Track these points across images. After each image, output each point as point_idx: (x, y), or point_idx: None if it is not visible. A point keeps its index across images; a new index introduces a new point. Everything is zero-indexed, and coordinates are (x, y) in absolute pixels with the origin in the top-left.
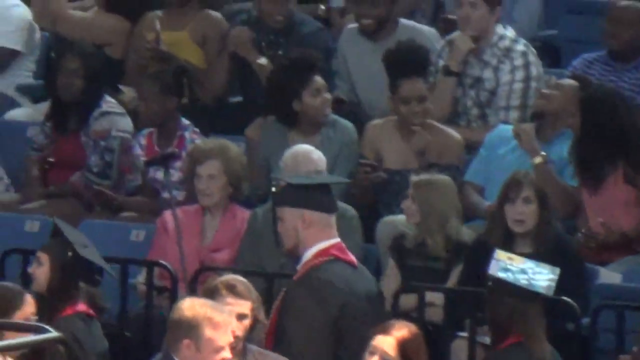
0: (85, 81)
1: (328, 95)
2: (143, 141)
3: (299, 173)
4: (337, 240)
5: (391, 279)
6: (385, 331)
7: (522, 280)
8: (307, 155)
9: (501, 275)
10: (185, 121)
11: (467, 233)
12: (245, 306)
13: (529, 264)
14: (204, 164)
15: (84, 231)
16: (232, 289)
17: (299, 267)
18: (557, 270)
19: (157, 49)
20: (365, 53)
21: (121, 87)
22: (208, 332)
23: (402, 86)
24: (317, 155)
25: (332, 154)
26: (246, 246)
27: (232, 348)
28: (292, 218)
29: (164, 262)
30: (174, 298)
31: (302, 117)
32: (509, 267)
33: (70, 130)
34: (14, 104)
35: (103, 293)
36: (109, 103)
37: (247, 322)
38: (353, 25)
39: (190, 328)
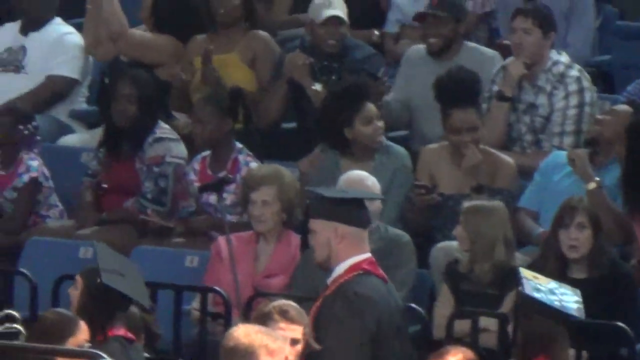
0: (139, 107)
1: (380, 123)
2: (197, 166)
3: None
4: (369, 255)
5: (445, 305)
6: (441, 357)
7: (555, 302)
8: (362, 181)
9: (537, 295)
10: (238, 144)
11: (519, 259)
12: (297, 331)
13: (553, 284)
14: (258, 190)
15: (137, 257)
16: (284, 315)
17: (329, 281)
18: (578, 291)
19: (210, 71)
20: (428, 72)
21: (175, 113)
22: (263, 359)
23: (453, 115)
24: (372, 181)
25: (386, 180)
26: (300, 272)
27: None
28: (325, 231)
29: (217, 289)
30: (227, 324)
31: (354, 144)
32: (539, 287)
33: (124, 156)
34: (67, 130)
35: (157, 319)
36: (163, 129)
37: (299, 346)
38: (418, 45)
39: (246, 355)
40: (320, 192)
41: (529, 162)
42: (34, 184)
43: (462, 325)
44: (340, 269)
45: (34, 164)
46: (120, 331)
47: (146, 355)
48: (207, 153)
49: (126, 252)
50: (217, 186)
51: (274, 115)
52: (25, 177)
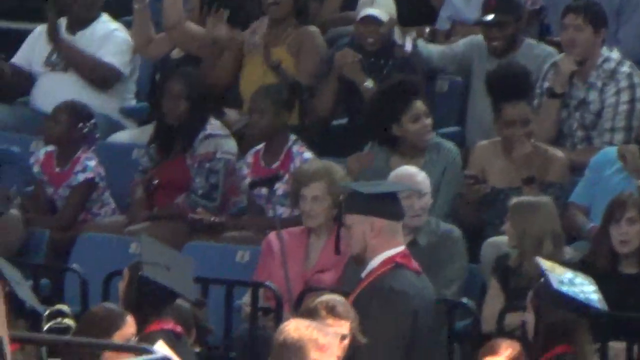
0: (190, 105)
1: (428, 121)
2: (250, 159)
3: (402, 195)
4: (403, 247)
5: (494, 299)
6: (493, 352)
7: (580, 295)
8: (411, 177)
9: (565, 289)
10: (292, 136)
11: (570, 254)
12: (345, 327)
13: (569, 274)
14: (308, 185)
15: (188, 253)
16: (332, 310)
17: (364, 274)
18: (592, 280)
19: (275, 62)
20: (486, 69)
21: (225, 109)
22: (314, 354)
23: (505, 109)
24: (422, 177)
25: (436, 177)
26: (351, 267)
27: None
28: (360, 225)
29: (268, 284)
30: (278, 319)
31: (402, 141)
32: (561, 278)
33: (175, 153)
34: (118, 127)
35: (208, 314)
36: (214, 125)
37: (346, 342)
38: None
39: (296, 350)
40: (355, 187)
41: (580, 158)
42: (89, 184)
43: (513, 319)
44: (375, 262)
45: (90, 164)
46: (169, 325)
47: (197, 350)
48: (260, 147)
49: (177, 248)
50: (268, 182)
51: (324, 111)
52: (81, 177)
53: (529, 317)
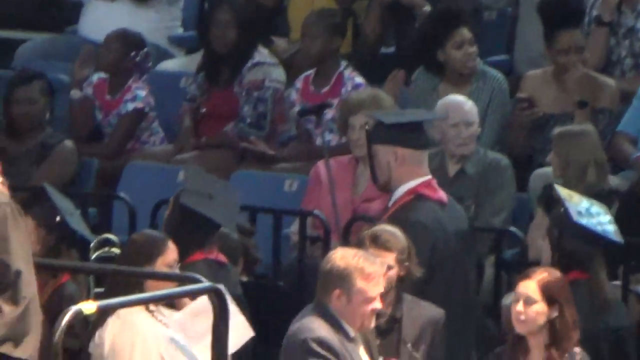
0: (238, 33)
1: (473, 49)
2: (299, 84)
3: (449, 123)
4: (428, 177)
5: (540, 228)
6: (527, 276)
7: (597, 227)
8: (459, 106)
9: (584, 221)
10: (343, 61)
11: (616, 182)
12: (389, 257)
13: (586, 203)
14: (357, 114)
15: (236, 182)
16: (375, 240)
17: (390, 203)
18: (606, 207)
19: None
20: None
21: (274, 38)
22: (359, 282)
23: (559, 37)
24: (469, 107)
25: (483, 105)
26: None
27: (382, 298)
28: (384, 155)
29: (316, 212)
30: (326, 248)
31: (447, 67)
32: (579, 209)
33: (223, 81)
34: (166, 55)
35: (256, 244)
36: (262, 53)
37: (392, 272)
38: None
39: (341, 278)
40: (378, 117)
41: (629, 86)
42: (138, 113)
43: None
44: (399, 192)
45: (141, 94)
46: (212, 254)
47: (245, 279)
48: (310, 72)
49: (225, 177)
50: (317, 109)
51: (372, 39)
52: (130, 106)
53: (545, 245)
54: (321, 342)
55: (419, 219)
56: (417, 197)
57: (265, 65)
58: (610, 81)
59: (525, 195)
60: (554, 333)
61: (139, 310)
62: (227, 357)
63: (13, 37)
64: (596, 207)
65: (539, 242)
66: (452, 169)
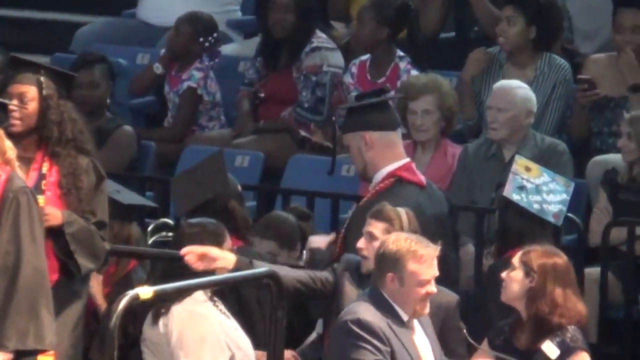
0: (297, 17)
1: (510, 29)
2: (354, 70)
3: (487, 106)
4: (406, 160)
5: (603, 213)
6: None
7: (534, 205)
8: (500, 90)
9: (515, 197)
10: (400, 52)
11: None
12: (375, 227)
13: (544, 178)
14: (418, 99)
15: (294, 166)
16: (372, 213)
17: (370, 188)
18: (572, 184)
19: None
20: None
21: (333, 22)
22: (411, 265)
23: (620, 14)
24: (512, 93)
25: (546, 91)
26: (457, 181)
27: None
28: (354, 142)
29: None
30: None
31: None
32: (525, 184)
33: (281, 66)
34: (225, 39)
35: (314, 228)
36: (320, 38)
37: (376, 243)
38: None
39: (394, 261)
40: (345, 105)
41: None
42: (192, 94)
43: (619, 234)
44: (378, 176)
45: (196, 75)
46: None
47: (301, 263)
48: (366, 57)
49: (283, 161)
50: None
51: (431, 24)
52: (185, 85)
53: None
54: (361, 324)
55: (396, 204)
56: (396, 181)
57: (324, 49)
58: None
59: (583, 181)
60: (530, 305)
61: (204, 301)
62: (283, 343)
63: (72, 20)
64: (556, 184)
65: (600, 227)
66: (507, 153)
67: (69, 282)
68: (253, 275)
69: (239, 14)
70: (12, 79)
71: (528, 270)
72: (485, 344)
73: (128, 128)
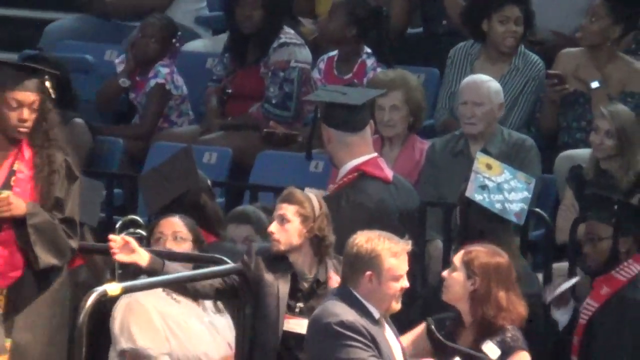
0: (265, 13)
1: (517, 29)
2: (322, 66)
3: (460, 101)
4: (372, 155)
5: (569, 210)
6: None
7: (496, 204)
8: (473, 85)
9: (478, 197)
10: (367, 49)
11: None
12: (287, 210)
13: (506, 175)
14: (387, 95)
15: (262, 162)
16: (283, 195)
17: (336, 182)
18: (533, 180)
19: None
20: None
21: (300, 19)
22: (389, 261)
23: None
24: (485, 87)
25: (517, 87)
26: (425, 177)
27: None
28: (323, 132)
29: None
30: None
31: (487, 40)
32: (486, 182)
33: (249, 62)
34: (193, 35)
35: None
36: (288, 34)
37: (287, 226)
38: None
39: (371, 259)
40: (313, 95)
41: None
42: (161, 90)
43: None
44: (344, 170)
45: (162, 71)
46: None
47: None
48: (333, 53)
49: (251, 158)
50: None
51: (399, 20)
52: (152, 82)
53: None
54: (345, 325)
55: (355, 198)
56: (360, 175)
57: (291, 45)
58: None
59: (550, 176)
60: (475, 308)
61: (161, 290)
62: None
63: (40, 17)
64: (515, 182)
65: (567, 223)
66: (474, 149)
67: (37, 277)
68: (221, 272)
69: (207, 10)
70: (14, 84)
71: (470, 273)
72: (423, 328)
73: (79, 120)
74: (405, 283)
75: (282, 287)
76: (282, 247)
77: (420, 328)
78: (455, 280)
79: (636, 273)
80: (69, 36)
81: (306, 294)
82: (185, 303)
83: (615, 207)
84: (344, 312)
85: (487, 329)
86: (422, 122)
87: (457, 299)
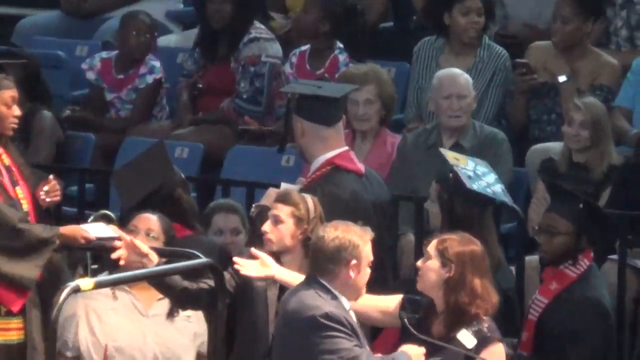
0: (235, 7)
1: (480, 19)
2: (294, 59)
3: (442, 95)
4: (344, 149)
5: (541, 203)
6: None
7: (487, 189)
8: (453, 78)
9: (475, 187)
10: (340, 44)
11: (615, 157)
12: (281, 210)
13: (471, 163)
14: (360, 89)
15: (233, 157)
16: (278, 196)
17: (308, 175)
18: (487, 164)
19: None
20: None
21: (271, 13)
22: (365, 249)
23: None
24: (463, 79)
25: (485, 80)
26: (397, 171)
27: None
28: (296, 124)
29: None
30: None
31: (451, 33)
32: (469, 173)
33: (219, 57)
34: (164, 30)
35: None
36: (259, 29)
37: (281, 226)
38: None
39: (353, 249)
40: (290, 86)
41: (624, 59)
42: (157, 85)
43: None
44: (316, 164)
45: (156, 65)
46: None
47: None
48: (305, 48)
49: (222, 152)
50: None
51: (373, 15)
52: (149, 79)
53: (433, 207)
54: (330, 317)
55: (332, 191)
56: (332, 168)
57: (262, 40)
58: (614, 60)
59: (522, 169)
60: (449, 296)
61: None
62: (223, 335)
63: (12, 13)
64: (481, 167)
65: (538, 216)
66: (447, 142)
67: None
68: (193, 266)
69: (180, 5)
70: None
71: (445, 261)
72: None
73: (47, 113)
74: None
75: (272, 291)
76: (275, 248)
77: (394, 304)
78: (430, 268)
79: (586, 269)
80: (40, 32)
81: None
82: (127, 298)
83: (581, 205)
84: (324, 304)
85: (461, 317)
86: (393, 115)
87: (431, 287)
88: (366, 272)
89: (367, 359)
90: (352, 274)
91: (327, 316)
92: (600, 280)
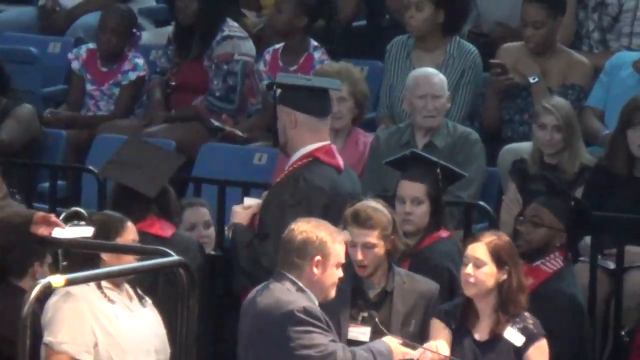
0: (201, 4)
1: (419, 14)
2: (267, 57)
3: (416, 95)
4: (325, 143)
5: (513, 203)
6: (476, 239)
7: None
8: (427, 78)
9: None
10: (314, 42)
11: (586, 158)
12: (371, 236)
13: None
14: None
15: (205, 155)
16: (355, 219)
17: (286, 167)
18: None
19: None
20: None
21: (244, 11)
22: (335, 247)
23: (523, 8)
24: (438, 79)
25: (455, 77)
26: (370, 170)
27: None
28: (284, 117)
29: None
30: None
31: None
32: None
33: (192, 54)
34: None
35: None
36: (232, 27)
37: (377, 250)
38: None
39: (320, 245)
40: (280, 79)
41: (596, 61)
42: (141, 82)
43: None
44: (296, 156)
45: (140, 62)
46: (152, 227)
47: (213, 252)
48: (279, 45)
49: (194, 150)
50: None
51: (346, 13)
52: (132, 75)
53: (423, 206)
54: (307, 311)
55: (315, 181)
56: (312, 160)
57: (235, 38)
58: (585, 60)
59: (494, 169)
60: (502, 296)
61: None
62: (195, 332)
63: None
64: None
65: (510, 216)
66: (421, 142)
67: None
68: (164, 264)
69: (153, 2)
70: None
71: (501, 264)
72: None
73: (28, 106)
74: (341, 272)
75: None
76: (369, 270)
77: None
78: (488, 274)
79: (560, 267)
80: (12, 28)
81: (372, 304)
82: (118, 300)
83: (572, 203)
84: (299, 299)
85: (509, 315)
86: (365, 114)
87: (487, 292)
88: (334, 272)
89: (344, 352)
90: (315, 270)
91: (304, 311)
92: (573, 279)
